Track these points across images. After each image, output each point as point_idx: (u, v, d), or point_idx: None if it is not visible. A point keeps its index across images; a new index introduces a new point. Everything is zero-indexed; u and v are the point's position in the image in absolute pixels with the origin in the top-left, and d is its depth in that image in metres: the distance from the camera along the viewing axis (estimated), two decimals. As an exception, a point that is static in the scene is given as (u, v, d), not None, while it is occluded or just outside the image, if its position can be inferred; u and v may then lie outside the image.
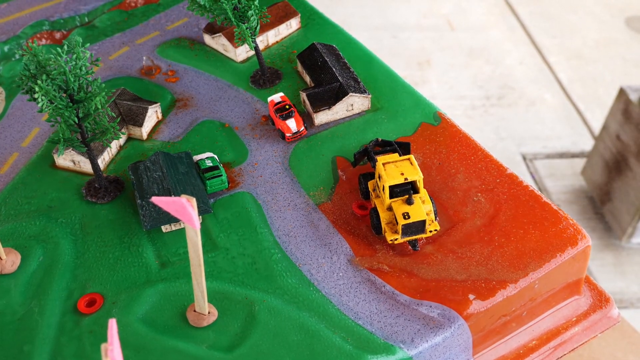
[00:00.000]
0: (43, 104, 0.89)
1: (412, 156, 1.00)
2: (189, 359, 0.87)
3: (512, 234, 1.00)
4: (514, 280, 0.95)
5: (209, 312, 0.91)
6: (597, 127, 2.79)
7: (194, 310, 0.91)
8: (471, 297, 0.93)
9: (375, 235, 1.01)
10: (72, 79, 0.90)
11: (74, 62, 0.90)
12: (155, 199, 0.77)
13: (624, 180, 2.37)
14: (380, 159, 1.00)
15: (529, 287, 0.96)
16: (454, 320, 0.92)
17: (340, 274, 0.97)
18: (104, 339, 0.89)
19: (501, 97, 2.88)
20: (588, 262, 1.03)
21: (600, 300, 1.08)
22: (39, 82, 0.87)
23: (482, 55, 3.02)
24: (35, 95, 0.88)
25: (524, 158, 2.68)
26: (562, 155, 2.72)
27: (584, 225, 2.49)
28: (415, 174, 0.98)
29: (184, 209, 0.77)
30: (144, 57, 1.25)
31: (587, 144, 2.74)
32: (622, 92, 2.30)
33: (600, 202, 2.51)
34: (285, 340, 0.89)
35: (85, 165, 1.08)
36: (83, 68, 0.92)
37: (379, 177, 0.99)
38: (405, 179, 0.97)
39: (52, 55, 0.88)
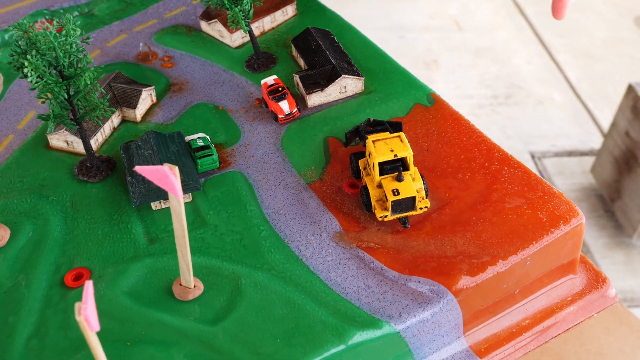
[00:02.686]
0: (32, 79, 0.88)
1: (402, 133, 0.98)
2: (173, 331, 0.86)
3: (503, 211, 0.98)
4: (504, 256, 0.93)
5: (194, 286, 0.90)
6: (606, 125, 2.75)
7: (180, 284, 0.90)
8: (461, 272, 0.92)
9: (366, 212, 0.99)
10: (61, 55, 0.89)
11: (63, 39, 0.90)
12: (138, 168, 0.76)
13: (633, 177, 2.33)
14: (371, 137, 0.98)
15: (520, 263, 0.94)
16: (442, 295, 0.90)
17: (329, 251, 0.95)
18: (89, 312, 0.88)
19: (508, 96, 2.86)
20: (582, 240, 1.01)
21: (597, 280, 1.05)
22: (28, 56, 0.87)
23: (489, 55, 3.00)
24: (25, 70, 0.87)
25: (532, 156, 2.65)
26: (570, 154, 2.68)
27: (594, 224, 2.46)
28: (405, 151, 0.96)
29: (167, 177, 0.76)
30: (141, 44, 1.25)
31: (596, 142, 2.71)
32: (630, 89, 2.27)
33: (610, 200, 2.47)
34: (270, 313, 0.88)
35: (78, 146, 1.07)
36: (74, 45, 0.92)
37: (369, 154, 0.97)
38: (395, 155, 0.96)
39: (41, 31, 0.88)
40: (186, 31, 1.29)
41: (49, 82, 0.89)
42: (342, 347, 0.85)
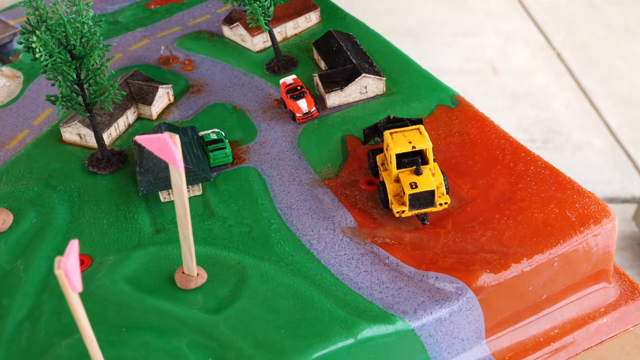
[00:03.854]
0: (41, 56, 0.87)
1: (421, 126, 0.94)
2: (171, 318, 0.81)
3: (529, 211, 0.92)
4: (530, 254, 0.87)
5: (197, 274, 0.85)
6: (648, 170, 2.65)
7: (182, 272, 0.86)
8: (482, 269, 0.85)
9: (383, 210, 0.94)
10: (71, 32, 0.88)
11: (73, 16, 0.89)
12: (138, 138, 0.73)
13: (677, 224, 2.23)
14: (389, 130, 0.94)
15: (547, 264, 0.88)
16: (462, 292, 0.84)
17: (342, 245, 0.90)
18: (85, 296, 0.84)
19: (547, 140, 2.79)
20: (615, 245, 0.94)
21: (633, 291, 0.98)
22: (37, 32, 0.86)
23: (527, 99, 2.95)
24: (33, 45, 0.86)
25: (570, 201, 2.56)
26: (612, 200, 2.58)
27: (638, 273, 2.34)
28: (424, 143, 0.92)
29: (166, 145, 0.73)
30: (162, 47, 1.24)
31: (638, 189, 2.61)
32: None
33: (653, 248, 2.36)
34: (275, 304, 0.83)
35: (91, 140, 1.05)
36: (85, 25, 0.90)
37: (387, 146, 0.93)
38: (413, 147, 0.91)
39: (51, 5, 0.87)
40: (208, 36, 1.28)
41: (59, 60, 0.88)
42: (351, 340, 0.79)
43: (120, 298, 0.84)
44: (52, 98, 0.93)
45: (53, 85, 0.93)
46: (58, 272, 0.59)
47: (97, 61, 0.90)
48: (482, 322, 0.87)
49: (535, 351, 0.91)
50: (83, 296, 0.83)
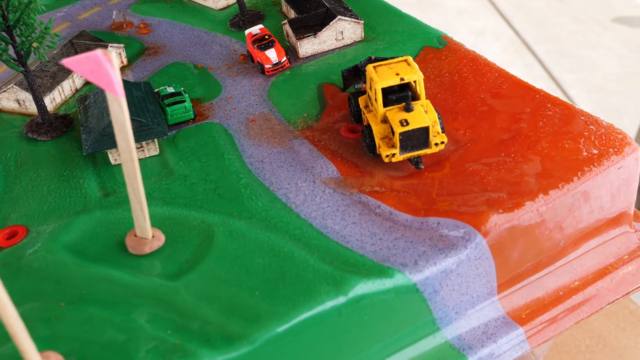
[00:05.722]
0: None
1: (409, 57, 0.78)
2: (121, 288, 0.64)
3: (539, 146, 0.76)
4: (545, 191, 0.71)
5: (153, 236, 0.68)
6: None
7: (135, 235, 0.68)
8: (492, 209, 0.69)
9: (370, 157, 0.78)
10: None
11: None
12: (65, 61, 0.56)
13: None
14: (372, 64, 0.78)
15: (565, 202, 0.72)
16: (469, 237, 0.67)
17: (325, 197, 0.73)
18: (17, 272, 0.66)
19: (524, 128, 2.65)
20: (638, 181, 0.78)
21: (658, 237, 0.81)
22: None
23: (502, 89, 2.82)
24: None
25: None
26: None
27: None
28: (414, 74, 0.75)
29: (100, 65, 0.56)
30: (114, 12, 1.07)
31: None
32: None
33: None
34: (248, 263, 0.65)
35: (32, 106, 0.88)
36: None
37: (370, 82, 0.77)
38: (402, 79, 0.75)
39: None
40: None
41: (-24, -5, 0.71)
42: (341, 299, 0.62)
43: (60, 269, 0.66)
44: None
45: (-26, 31, 0.75)
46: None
47: (23, -7, 0.72)
48: (494, 274, 0.70)
49: (555, 306, 0.74)
50: (15, 271, 0.65)
